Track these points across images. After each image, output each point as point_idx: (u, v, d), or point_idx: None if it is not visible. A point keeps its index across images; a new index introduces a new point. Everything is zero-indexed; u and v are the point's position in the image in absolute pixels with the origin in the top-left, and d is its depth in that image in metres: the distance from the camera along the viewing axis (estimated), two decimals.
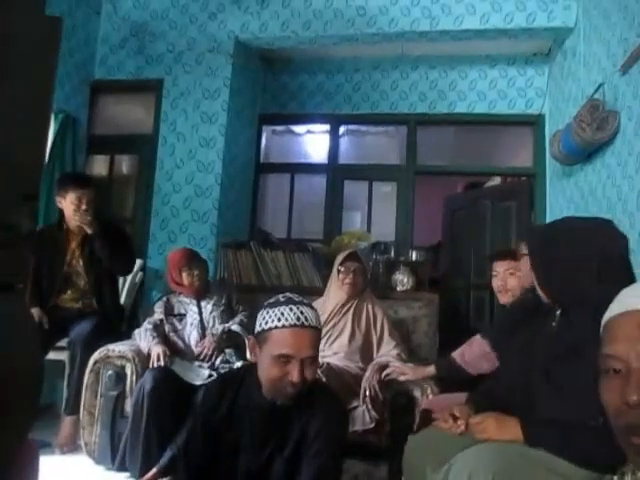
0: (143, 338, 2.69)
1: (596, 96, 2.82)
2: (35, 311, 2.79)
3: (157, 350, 2.58)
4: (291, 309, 1.41)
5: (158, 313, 2.84)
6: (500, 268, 2.53)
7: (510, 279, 2.49)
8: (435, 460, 1.52)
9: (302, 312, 1.40)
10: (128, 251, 3.11)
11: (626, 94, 2.61)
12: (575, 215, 3.03)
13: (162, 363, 2.53)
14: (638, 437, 0.76)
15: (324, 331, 2.70)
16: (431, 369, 2.41)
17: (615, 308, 0.85)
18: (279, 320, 1.40)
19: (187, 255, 2.91)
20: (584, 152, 2.98)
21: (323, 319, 2.74)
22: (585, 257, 1.43)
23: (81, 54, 3.95)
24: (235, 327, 2.80)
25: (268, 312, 1.43)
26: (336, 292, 2.78)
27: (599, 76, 2.95)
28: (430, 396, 2.33)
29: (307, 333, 1.39)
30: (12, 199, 0.97)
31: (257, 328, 1.46)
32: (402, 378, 2.42)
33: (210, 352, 2.71)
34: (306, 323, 1.39)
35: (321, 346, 2.61)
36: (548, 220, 4.02)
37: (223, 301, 2.94)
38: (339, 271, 2.76)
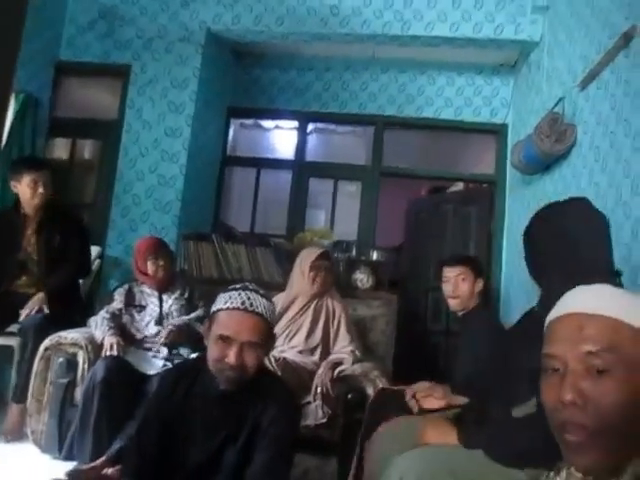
0: (99, 327, 2.64)
1: (556, 109, 2.91)
2: None
3: (111, 340, 2.54)
4: (239, 294, 1.42)
5: (117, 302, 2.79)
6: (451, 274, 2.56)
7: (460, 285, 2.53)
8: (401, 450, 1.57)
9: (249, 298, 1.42)
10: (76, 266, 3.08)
11: (584, 109, 2.70)
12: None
13: (115, 353, 2.50)
14: (570, 434, 0.80)
15: (283, 326, 2.73)
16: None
17: (556, 310, 0.89)
18: (225, 303, 1.43)
19: (154, 244, 2.87)
20: (543, 163, 3.08)
21: (285, 315, 2.77)
22: (557, 238, 1.45)
23: (47, 34, 3.84)
24: (194, 323, 2.77)
25: (221, 295, 1.45)
26: (301, 289, 2.80)
27: (560, 90, 3.05)
28: None
29: (249, 318, 1.40)
30: None
31: (211, 310, 1.48)
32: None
33: (167, 339, 2.67)
34: (250, 308, 1.40)
35: (280, 341, 2.67)
36: (506, 227, 4.14)
37: (185, 295, 2.91)
38: (310, 269, 2.77)
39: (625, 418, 0.77)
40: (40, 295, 2.85)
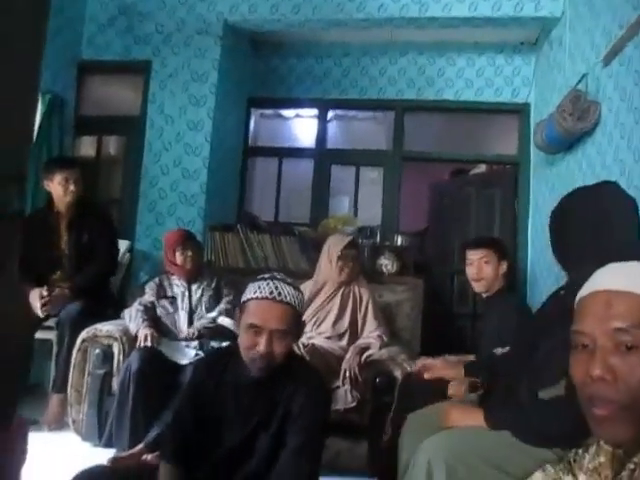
0: (133, 319, 2.72)
1: (579, 87, 2.87)
2: (37, 291, 2.83)
3: (145, 332, 2.62)
4: (268, 284, 1.46)
5: (149, 295, 2.87)
6: (474, 256, 2.55)
7: (484, 267, 2.53)
8: (426, 433, 1.60)
9: (277, 287, 1.45)
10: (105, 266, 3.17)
11: (607, 86, 2.66)
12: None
13: (149, 344, 2.58)
14: (598, 408, 0.81)
15: (311, 313, 2.78)
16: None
17: (586, 287, 0.90)
18: (254, 292, 1.46)
19: (182, 236, 2.95)
20: (566, 142, 3.04)
21: (313, 302, 2.81)
22: (588, 222, 1.44)
23: (68, 34, 3.92)
24: (221, 319, 2.83)
25: (251, 285, 1.49)
26: (329, 276, 2.84)
27: (583, 67, 3.00)
28: None
29: (278, 307, 1.43)
30: (6, 180, 1.00)
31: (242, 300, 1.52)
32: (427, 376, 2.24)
33: (196, 336, 2.75)
34: (278, 298, 1.43)
35: (308, 327, 2.71)
36: (531, 208, 4.09)
37: (213, 285, 2.98)
38: (338, 258, 2.81)
39: None
40: (64, 290, 2.93)
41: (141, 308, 2.77)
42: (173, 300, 2.88)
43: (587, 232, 1.43)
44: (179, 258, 2.88)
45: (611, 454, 0.87)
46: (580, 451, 0.95)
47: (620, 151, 2.47)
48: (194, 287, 2.92)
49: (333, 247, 2.85)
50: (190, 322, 2.82)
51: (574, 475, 0.93)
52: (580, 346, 0.86)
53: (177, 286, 2.92)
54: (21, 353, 1.03)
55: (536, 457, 1.29)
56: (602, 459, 0.88)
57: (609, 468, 0.86)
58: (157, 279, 2.96)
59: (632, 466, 0.82)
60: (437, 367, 2.23)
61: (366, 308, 2.82)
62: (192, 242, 2.96)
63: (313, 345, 2.58)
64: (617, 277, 0.86)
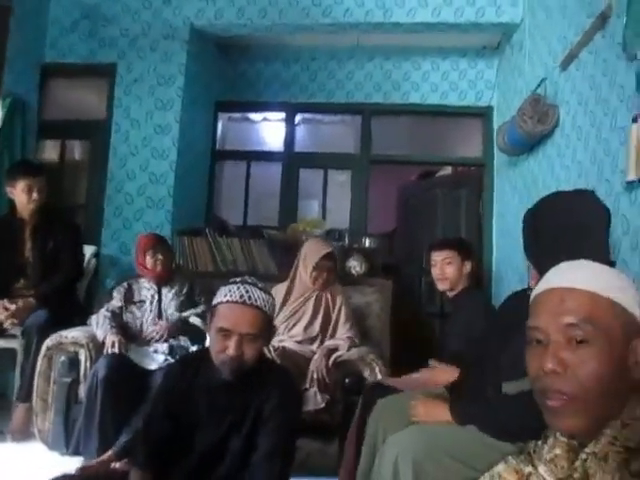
0: (100, 326, 2.69)
1: (538, 90, 2.96)
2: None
3: (112, 338, 2.59)
4: (238, 287, 1.47)
5: (117, 299, 2.85)
6: (437, 257, 2.62)
7: (447, 268, 2.59)
8: (395, 424, 1.64)
9: (247, 291, 1.46)
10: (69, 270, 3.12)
11: (565, 90, 2.75)
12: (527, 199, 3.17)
13: (117, 351, 2.55)
14: (551, 400, 0.86)
15: (284, 316, 2.79)
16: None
17: (540, 285, 0.95)
18: (225, 296, 1.47)
19: (153, 240, 2.95)
20: (527, 144, 3.13)
21: (285, 306, 2.82)
22: (564, 225, 1.49)
23: (31, 36, 3.84)
24: (193, 319, 2.84)
25: (221, 289, 1.50)
26: (304, 284, 2.85)
27: (542, 71, 3.10)
28: (379, 375, 2.43)
29: (248, 311, 1.45)
30: None
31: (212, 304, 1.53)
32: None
33: (163, 334, 2.73)
34: (248, 302, 1.44)
35: (280, 330, 2.72)
36: (495, 208, 4.19)
37: (184, 291, 2.97)
38: (314, 268, 2.80)
39: (602, 385, 0.83)
40: (29, 300, 2.88)
41: (108, 314, 2.73)
42: (142, 304, 2.86)
43: (564, 237, 1.47)
44: (150, 262, 2.87)
45: (567, 445, 0.91)
46: (539, 442, 0.99)
47: (578, 152, 2.56)
48: (164, 290, 2.91)
49: (310, 256, 2.84)
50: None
51: (534, 466, 0.97)
52: (535, 341, 0.90)
53: (147, 289, 2.90)
54: None
55: (500, 450, 1.33)
56: (558, 450, 0.92)
57: (565, 459, 0.90)
58: (125, 283, 2.93)
59: (584, 456, 0.86)
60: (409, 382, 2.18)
61: (338, 312, 2.84)
62: (163, 246, 2.96)
63: (283, 348, 2.59)
64: (569, 275, 0.90)
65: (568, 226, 1.48)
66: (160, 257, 2.88)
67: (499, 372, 1.58)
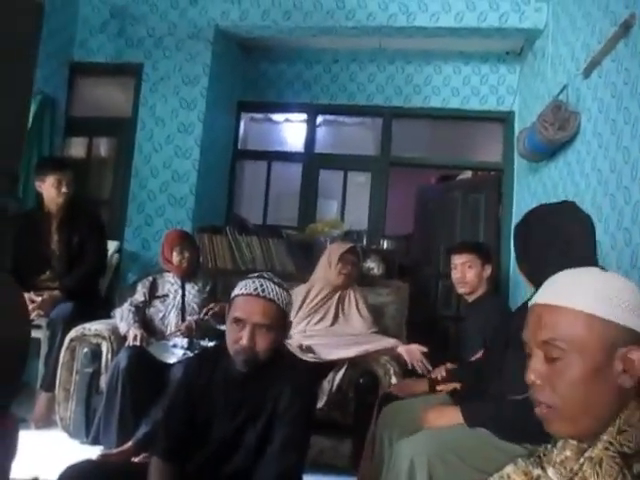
0: (124, 319, 2.76)
1: (560, 97, 2.96)
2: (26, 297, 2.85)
3: (135, 332, 2.66)
4: (254, 281, 1.52)
5: (140, 294, 2.91)
6: (458, 261, 2.64)
7: (468, 271, 2.61)
8: (401, 429, 1.67)
9: (262, 284, 1.51)
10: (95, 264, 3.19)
11: (587, 97, 2.75)
12: None
13: (138, 344, 2.62)
14: (537, 408, 0.91)
15: (305, 314, 2.83)
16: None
17: (534, 298, 0.98)
18: (241, 289, 1.52)
19: (181, 236, 3.02)
20: (547, 150, 3.13)
21: (306, 303, 2.87)
22: (551, 236, 1.53)
23: (61, 35, 3.95)
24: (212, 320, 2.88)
25: (239, 283, 1.55)
26: (327, 279, 2.91)
27: (564, 78, 3.09)
28: (393, 377, 2.46)
29: (261, 302, 1.49)
30: (3, 180, 1.05)
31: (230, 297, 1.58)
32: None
33: (186, 334, 2.79)
34: (262, 294, 1.49)
35: (302, 327, 2.76)
36: (514, 213, 4.19)
37: (207, 288, 3.03)
38: (339, 260, 2.88)
39: (581, 396, 0.86)
40: (54, 293, 2.96)
41: (132, 309, 2.81)
42: (165, 298, 2.92)
43: (550, 248, 1.51)
44: (175, 258, 2.93)
45: (576, 447, 0.93)
46: (549, 446, 1.01)
47: (598, 160, 2.56)
48: (188, 286, 2.97)
49: (334, 251, 2.95)
50: (182, 320, 2.87)
51: (543, 468, 0.99)
52: (527, 353, 0.95)
53: (171, 284, 2.96)
54: (20, 350, 1.07)
55: (510, 453, 1.35)
56: (568, 453, 0.94)
57: (574, 460, 0.92)
58: (150, 277, 3.00)
59: (582, 460, 0.89)
60: (406, 385, 2.23)
61: (361, 310, 2.91)
62: (190, 243, 3.03)
63: (307, 346, 2.63)
64: (548, 291, 0.94)
65: (555, 238, 1.52)
66: (186, 254, 2.95)
67: (502, 384, 1.60)
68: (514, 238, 1.70)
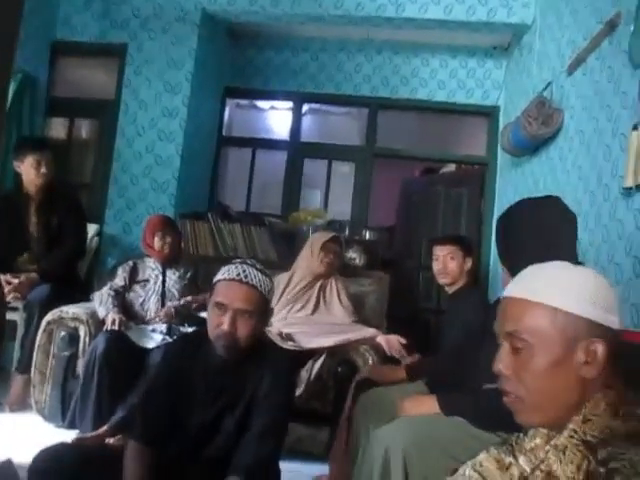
0: (103, 303, 2.73)
1: (544, 93, 2.98)
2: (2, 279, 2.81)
3: (113, 316, 2.64)
4: (236, 267, 1.52)
5: (121, 278, 2.89)
6: (440, 252, 2.67)
7: (449, 263, 2.64)
8: (377, 417, 1.69)
9: (244, 270, 1.51)
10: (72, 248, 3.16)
11: (570, 94, 2.78)
12: None
13: (116, 328, 2.60)
14: (505, 397, 0.94)
15: (286, 301, 2.84)
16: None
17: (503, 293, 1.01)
18: (223, 274, 1.52)
19: (163, 222, 2.99)
20: (531, 145, 3.16)
21: (287, 290, 2.89)
22: (534, 230, 1.53)
23: (43, 13, 3.87)
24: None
25: (222, 269, 1.55)
26: (309, 267, 2.92)
27: (549, 74, 3.12)
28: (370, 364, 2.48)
29: (243, 288, 1.49)
30: None
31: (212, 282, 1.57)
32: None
33: (165, 320, 2.78)
34: (244, 280, 1.49)
35: (282, 314, 2.77)
36: (496, 207, 4.23)
37: (188, 275, 3.01)
38: (321, 249, 2.88)
39: (545, 386, 0.89)
40: (32, 275, 2.93)
41: (112, 293, 2.78)
42: (145, 283, 2.90)
43: (533, 242, 1.51)
44: (157, 243, 2.91)
45: (546, 435, 0.95)
46: (521, 434, 1.03)
47: (579, 157, 2.59)
48: (169, 272, 2.95)
49: (317, 240, 2.96)
50: (162, 305, 2.85)
51: (514, 456, 1.01)
52: (498, 344, 0.97)
53: (151, 269, 2.94)
54: None
55: (485, 442, 1.37)
56: (538, 440, 0.96)
57: (543, 448, 0.94)
58: (131, 261, 2.98)
59: (547, 448, 0.92)
60: (383, 371, 2.21)
61: (339, 300, 2.94)
62: (172, 228, 3.01)
63: (286, 334, 2.64)
64: (514, 285, 0.97)
65: (538, 232, 1.53)
66: (168, 239, 2.93)
67: (477, 373, 1.62)
68: (497, 231, 1.70)
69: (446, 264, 2.65)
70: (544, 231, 1.53)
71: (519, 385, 0.91)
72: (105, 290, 2.81)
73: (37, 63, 3.83)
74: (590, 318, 0.88)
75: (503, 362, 0.93)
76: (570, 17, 2.90)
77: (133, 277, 2.91)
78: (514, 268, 1.64)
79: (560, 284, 0.91)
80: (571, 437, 0.87)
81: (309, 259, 2.92)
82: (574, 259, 1.54)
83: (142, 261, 2.98)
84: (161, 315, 2.78)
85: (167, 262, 2.96)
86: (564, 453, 0.87)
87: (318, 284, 2.92)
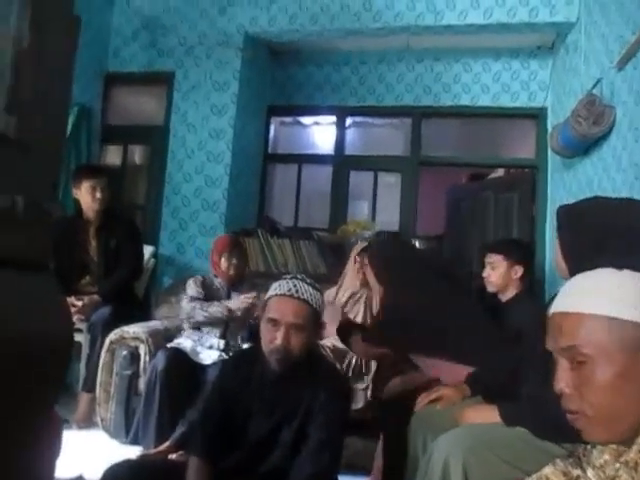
0: (205, 307, 2.79)
1: (594, 91, 2.90)
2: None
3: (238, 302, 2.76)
4: (287, 282, 1.55)
5: (194, 291, 2.89)
6: (486, 260, 2.64)
7: (492, 272, 2.61)
8: (434, 432, 1.66)
9: (295, 285, 1.54)
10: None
11: (622, 90, 2.69)
12: None
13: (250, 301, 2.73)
14: (570, 417, 0.91)
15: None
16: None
17: (551, 307, 0.98)
18: (275, 290, 1.56)
19: (230, 242, 3.02)
20: (582, 145, 3.07)
21: (336, 303, 2.89)
22: (616, 227, 1.45)
23: (95, 47, 4.07)
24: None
25: (273, 285, 1.59)
26: (351, 280, 2.94)
27: (597, 71, 3.03)
28: None
29: (295, 302, 1.52)
30: (47, 186, 1.09)
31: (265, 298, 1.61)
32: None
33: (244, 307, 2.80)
34: (295, 295, 1.52)
35: (332, 330, 2.78)
36: (549, 211, 4.11)
37: (251, 298, 3.02)
38: (355, 260, 2.90)
39: (610, 400, 0.85)
40: (94, 297, 3.05)
41: (198, 305, 2.81)
42: (211, 302, 2.89)
43: (608, 242, 1.41)
44: (224, 263, 2.93)
45: (615, 451, 0.91)
46: (589, 446, 0.99)
47: (635, 155, 2.49)
48: (234, 294, 2.94)
49: (354, 250, 3.00)
50: (225, 329, 2.87)
51: (582, 469, 0.97)
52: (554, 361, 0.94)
53: (217, 288, 2.96)
54: (63, 350, 1.11)
55: (548, 453, 1.34)
56: (607, 456, 0.93)
57: (613, 464, 0.91)
58: (199, 276, 3.01)
59: (617, 465, 0.88)
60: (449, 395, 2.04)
61: None
62: (239, 249, 3.03)
63: (334, 346, 2.65)
64: (565, 299, 0.94)
65: (619, 232, 1.44)
66: (234, 260, 2.94)
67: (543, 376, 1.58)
68: (562, 223, 1.59)
69: (489, 272, 2.61)
70: (627, 232, 1.44)
71: (583, 402, 0.87)
72: (194, 306, 2.82)
73: (91, 94, 4.03)
74: None
75: (563, 380, 0.89)
76: (616, 12, 2.81)
77: (205, 289, 2.92)
78: (577, 267, 1.56)
79: (611, 292, 0.88)
80: None
81: (352, 270, 2.93)
82: None
83: (209, 278, 3.01)
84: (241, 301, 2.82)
85: (231, 285, 2.97)
86: (636, 470, 0.84)
87: (364, 295, 2.91)
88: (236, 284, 2.99)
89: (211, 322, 2.82)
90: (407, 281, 2.40)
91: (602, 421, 0.86)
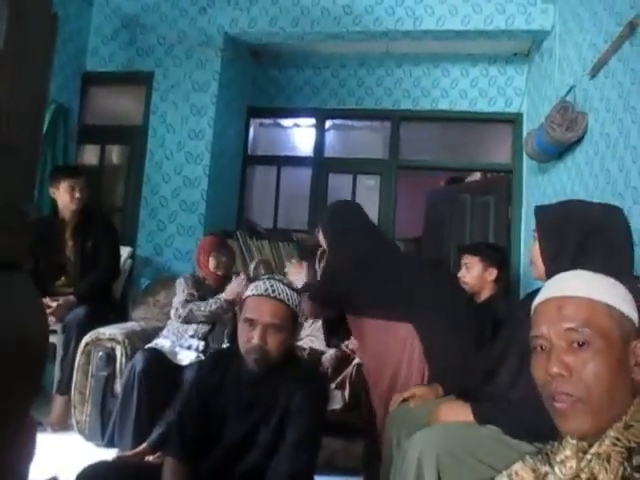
0: (204, 307, 2.78)
1: (567, 98, 2.97)
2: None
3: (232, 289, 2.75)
4: (264, 282, 1.56)
5: (187, 293, 2.86)
6: (462, 261, 2.71)
7: (467, 273, 2.69)
8: (408, 430, 1.68)
9: (272, 285, 1.55)
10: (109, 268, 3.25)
11: (594, 97, 2.76)
12: None
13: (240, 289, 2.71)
14: (559, 402, 0.91)
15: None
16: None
17: (540, 296, 1.01)
18: (252, 290, 1.57)
19: (218, 242, 3.02)
20: (556, 150, 3.14)
21: None
22: (596, 230, 1.46)
23: (73, 45, 4.02)
24: None
25: (250, 285, 1.60)
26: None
27: (571, 78, 3.10)
28: None
29: (272, 302, 1.53)
30: (24, 187, 1.09)
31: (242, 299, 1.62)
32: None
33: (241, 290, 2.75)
34: (272, 295, 1.53)
35: (307, 331, 2.79)
36: (524, 214, 4.19)
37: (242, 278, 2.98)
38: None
39: (605, 385, 0.88)
40: (69, 298, 3.01)
41: (188, 305, 2.80)
42: (202, 299, 2.88)
43: (590, 251, 1.44)
44: (212, 263, 2.94)
45: (575, 447, 0.95)
46: (556, 443, 1.02)
47: (606, 160, 2.56)
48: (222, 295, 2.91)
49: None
50: (212, 329, 2.85)
51: (551, 465, 1.00)
52: (539, 348, 0.96)
53: (206, 290, 2.95)
54: (39, 353, 1.10)
55: (519, 450, 1.36)
56: (567, 452, 0.96)
57: (574, 459, 0.94)
58: (188, 275, 3.00)
59: (589, 457, 0.90)
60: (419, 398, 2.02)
61: None
62: (226, 248, 3.04)
63: (311, 348, 2.66)
64: (565, 285, 0.97)
65: (594, 233, 1.46)
66: (223, 259, 2.95)
67: (512, 375, 1.61)
68: (542, 225, 1.59)
69: (464, 273, 2.66)
70: (607, 235, 1.47)
71: (579, 384, 0.88)
72: (180, 306, 2.81)
73: (69, 93, 3.98)
74: (633, 320, 0.91)
75: (559, 362, 0.90)
76: (590, 21, 2.89)
77: (196, 287, 2.91)
78: (559, 267, 1.59)
79: (608, 285, 0.94)
80: (614, 445, 0.86)
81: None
82: (631, 271, 1.51)
83: (197, 276, 2.99)
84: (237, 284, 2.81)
85: (220, 286, 2.95)
86: (609, 462, 0.86)
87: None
88: (224, 284, 2.98)
89: (212, 319, 2.82)
90: (349, 241, 2.40)
91: (592, 407, 0.88)
